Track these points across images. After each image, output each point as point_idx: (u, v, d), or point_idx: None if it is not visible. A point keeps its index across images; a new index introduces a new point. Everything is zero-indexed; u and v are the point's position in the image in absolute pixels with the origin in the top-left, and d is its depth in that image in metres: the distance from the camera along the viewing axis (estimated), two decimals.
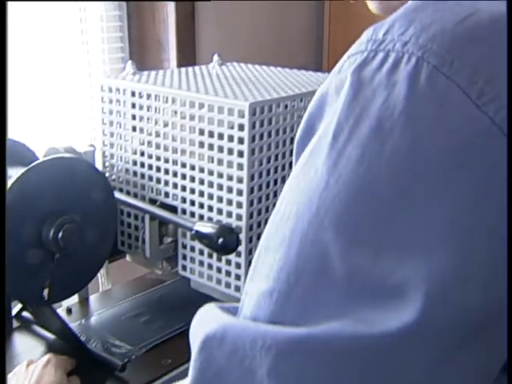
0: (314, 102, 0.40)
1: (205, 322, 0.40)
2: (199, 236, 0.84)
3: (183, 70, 1.09)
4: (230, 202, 0.88)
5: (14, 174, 0.76)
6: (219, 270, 0.92)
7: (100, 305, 1.07)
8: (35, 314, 0.94)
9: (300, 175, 0.38)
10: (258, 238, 0.88)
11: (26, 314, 0.99)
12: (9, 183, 0.73)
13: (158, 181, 0.97)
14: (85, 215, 0.80)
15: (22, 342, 0.96)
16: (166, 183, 0.96)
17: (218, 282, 0.93)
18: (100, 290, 1.14)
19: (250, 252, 0.89)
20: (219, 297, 0.94)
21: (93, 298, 1.09)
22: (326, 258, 0.35)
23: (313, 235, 0.35)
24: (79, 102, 1.48)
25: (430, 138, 0.33)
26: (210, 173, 0.90)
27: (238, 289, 0.91)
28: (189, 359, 0.40)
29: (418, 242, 0.33)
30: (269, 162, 0.89)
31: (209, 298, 0.94)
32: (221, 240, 0.81)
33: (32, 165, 0.73)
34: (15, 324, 0.98)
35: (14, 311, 0.98)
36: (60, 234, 0.75)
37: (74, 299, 1.04)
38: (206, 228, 0.83)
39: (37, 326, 0.97)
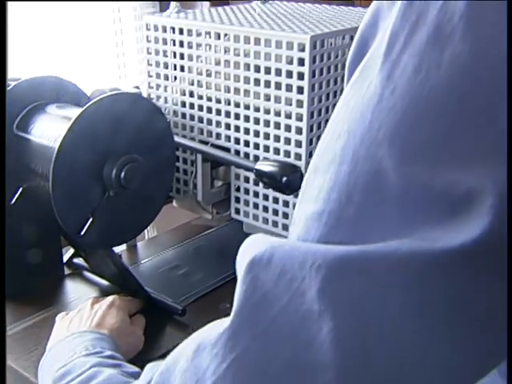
0: (367, 20, 0.37)
1: (252, 246, 0.37)
2: (261, 175, 0.81)
3: (227, 7, 1.05)
4: (288, 141, 0.85)
5: (72, 113, 0.73)
6: (275, 212, 0.90)
7: (148, 252, 1.05)
8: (89, 260, 0.92)
9: (350, 92, 0.36)
10: None
11: (76, 260, 0.97)
12: (69, 122, 0.71)
13: (209, 122, 0.94)
14: (146, 155, 0.77)
15: (75, 289, 0.94)
16: (218, 124, 0.93)
17: (275, 224, 0.91)
18: (146, 238, 1.12)
19: None
20: None
21: (140, 246, 1.07)
22: (381, 174, 0.33)
23: (366, 151, 0.33)
24: (110, 49, 1.44)
25: (494, 40, 0.31)
26: (267, 111, 0.86)
27: None
28: None
29: (481, 150, 0.31)
30: (328, 98, 0.86)
31: None
32: (284, 179, 0.78)
33: (93, 101, 0.70)
34: (67, 271, 0.97)
35: (66, 257, 0.97)
36: (123, 174, 0.73)
37: (122, 246, 1.02)
38: (268, 167, 0.80)
39: (88, 273, 0.96)
